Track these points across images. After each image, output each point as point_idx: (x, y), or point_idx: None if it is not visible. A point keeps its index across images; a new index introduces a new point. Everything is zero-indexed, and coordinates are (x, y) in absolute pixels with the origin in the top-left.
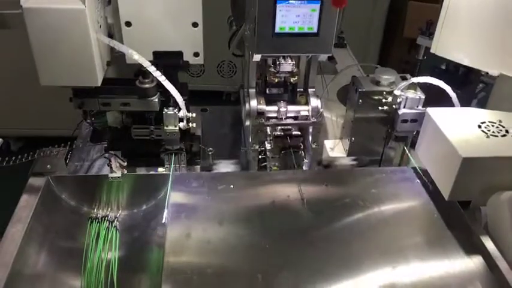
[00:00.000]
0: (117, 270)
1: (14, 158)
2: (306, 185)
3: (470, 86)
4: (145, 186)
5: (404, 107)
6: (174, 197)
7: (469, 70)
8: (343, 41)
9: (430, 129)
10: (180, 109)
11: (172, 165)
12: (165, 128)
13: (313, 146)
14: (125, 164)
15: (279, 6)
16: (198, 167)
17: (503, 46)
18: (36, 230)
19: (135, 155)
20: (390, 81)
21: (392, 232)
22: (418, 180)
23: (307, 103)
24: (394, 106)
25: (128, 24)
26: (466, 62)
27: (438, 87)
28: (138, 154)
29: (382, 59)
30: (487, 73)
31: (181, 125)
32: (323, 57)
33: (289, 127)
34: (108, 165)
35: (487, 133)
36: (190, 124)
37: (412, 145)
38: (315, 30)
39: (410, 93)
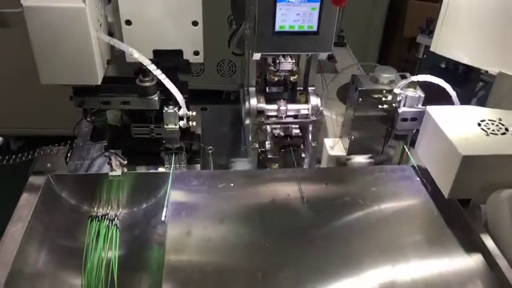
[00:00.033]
0: (118, 269)
1: (14, 156)
2: (306, 184)
3: (470, 84)
4: (146, 184)
5: (404, 106)
6: (174, 195)
7: (468, 69)
8: (343, 40)
9: (429, 128)
10: (180, 107)
11: (172, 164)
12: (165, 126)
13: (313, 144)
14: (125, 162)
15: (279, 5)
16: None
17: (503, 44)
18: (36, 229)
19: (135, 153)
20: (390, 80)
21: (392, 230)
22: (418, 179)
23: (307, 102)
24: (394, 105)
25: (128, 22)
26: (466, 60)
27: (438, 86)
28: (138, 153)
29: (381, 58)
30: (487, 71)
31: (182, 123)
32: (323, 55)
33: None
34: (109, 164)
35: (486, 131)
36: (191, 123)
37: (412, 143)
38: (314, 28)
39: (410, 92)
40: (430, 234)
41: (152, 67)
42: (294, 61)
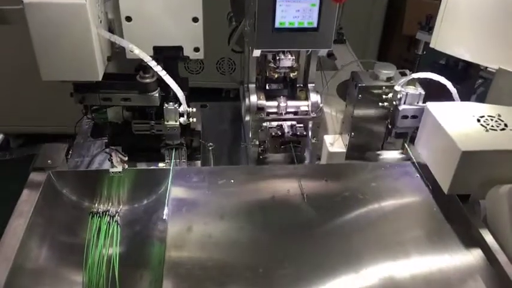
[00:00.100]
0: (119, 265)
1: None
2: (306, 180)
3: (470, 81)
4: (146, 181)
5: (404, 103)
6: (175, 191)
7: (468, 65)
8: (343, 37)
9: (429, 124)
10: (180, 104)
11: (172, 160)
12: (166, 123)
13: (313, 141)
14: (126, 158)
15: (278, 1)
16: (199, 162)
17: (503, 40)
18: (37, 225)
19: (136, 150)
20: (389, 76)
21: (392, 226)
22: (418, 175)
23: (306, 98)
24: (394, 102)
25: (128, 19)
26: (465, 56)
27: (437, 83)
28: (138, 149)
29: (381, 55)
30: (486, 68)
31: (182, 120)
32: (323, 52)
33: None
34: (109, 160)
35: (486, 127)
36: (191, 119)
37: (411, 140)
38: (314, 25)
39: (411, 89)
40: (429, 229)
41: (153, 63)
42: (293, 58)
